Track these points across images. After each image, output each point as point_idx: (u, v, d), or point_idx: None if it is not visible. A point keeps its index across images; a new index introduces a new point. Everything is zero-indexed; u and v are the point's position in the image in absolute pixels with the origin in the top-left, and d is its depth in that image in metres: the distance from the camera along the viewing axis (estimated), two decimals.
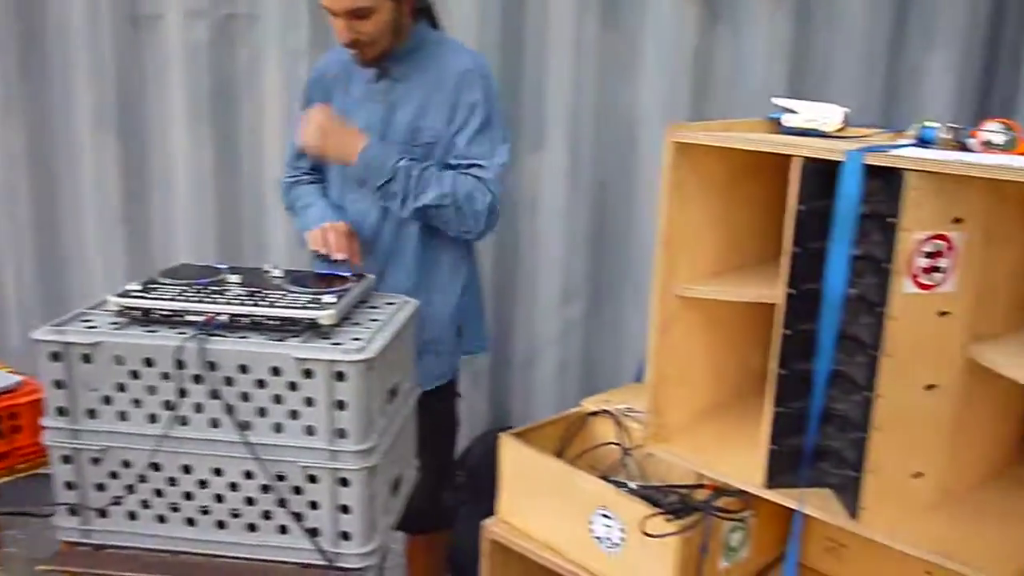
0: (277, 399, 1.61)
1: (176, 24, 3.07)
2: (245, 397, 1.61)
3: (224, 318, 1.65)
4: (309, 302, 1.71)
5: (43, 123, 3.25)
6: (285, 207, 2.29)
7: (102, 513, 1.67)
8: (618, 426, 1.60)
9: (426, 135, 2.01)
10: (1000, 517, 1.23)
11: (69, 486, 1.65)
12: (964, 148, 1.27)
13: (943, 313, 1.18)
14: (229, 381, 1.60)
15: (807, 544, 1.47)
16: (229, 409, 1.61)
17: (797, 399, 1.28)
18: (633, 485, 1.51)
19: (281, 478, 1.64)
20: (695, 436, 1.46)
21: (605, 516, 1.38)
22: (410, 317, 1.83)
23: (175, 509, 1.65)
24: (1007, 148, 1.25)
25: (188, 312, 1.65)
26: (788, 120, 1.42)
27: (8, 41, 3.19)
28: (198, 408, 1.60)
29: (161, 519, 1.66)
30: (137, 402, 1.61)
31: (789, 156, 1.25)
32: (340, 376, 1.58)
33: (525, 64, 2.87)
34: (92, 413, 1.62)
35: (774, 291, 1.31)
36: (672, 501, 1.38)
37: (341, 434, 1.61)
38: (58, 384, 1.61)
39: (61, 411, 1.62)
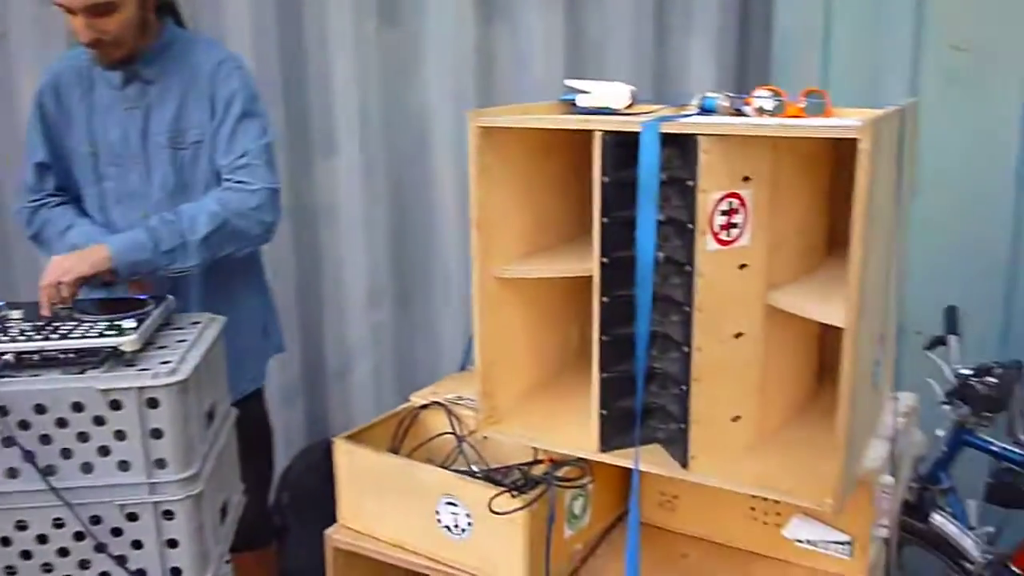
0: (83, 437, 1.49)
1: None
2: (45, 440, 1.48)
3: (9, 357, 1.51)
4: (107, 329, 1.60)
5: None
6: (29, 236, 2.02)
7: None
8: (450, 415, 1.60)
9: (191, 135, 1.91)
10: (809, 448, 1.34)
11: None
12: (741, 114, 1.38)
13: (742, 266, 1.28)
14: (24, 425, 1.47)
15: (641, 501, 1.54)
16: (28, 455, 1.48)
17: (621, 363, 1.34)
18: (475, 469, 1.52)
19: (97, 521, 1.52)
20: (527, 414, 1.49)
21: (451, 504, 1.38)
22: (219, 334, 1.75)
23: None
24: (777, 112, 1.37)
25: None
26: (582, 100, 1.47)
27: None
28: None
29: None
30: None
31: (588, 133, 1.30)
32: (152, 403, 1.49)
33: (308, 68, 2.81)
34: None
35: (588, 263, 1.36)
36: (514, 479, 1.40)
37: (160, 464, 1.51)
38: None
39: None
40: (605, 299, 1.31)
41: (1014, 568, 1.85)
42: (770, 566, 1.43)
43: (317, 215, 2.90)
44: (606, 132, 1.26)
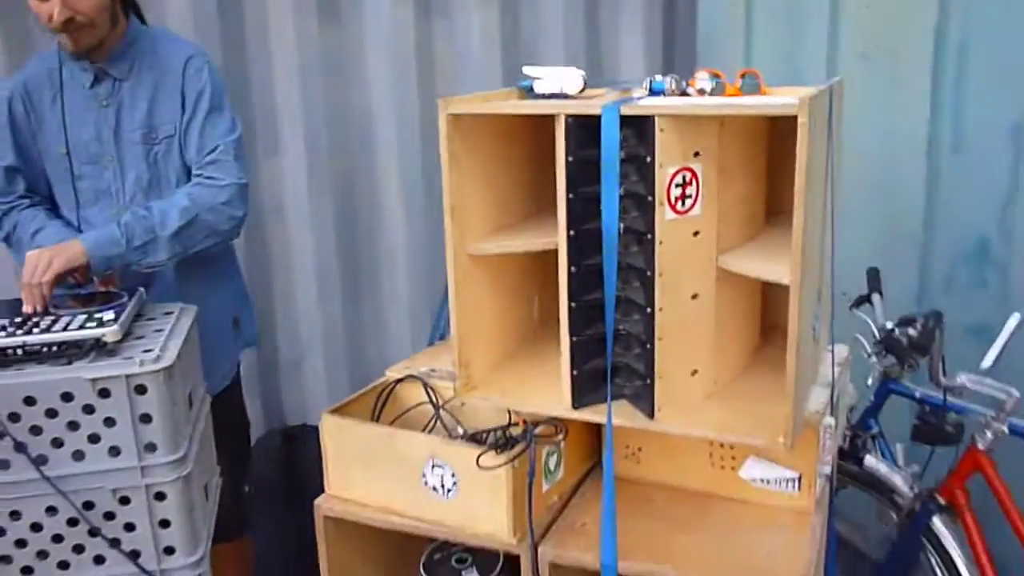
0: (73, 426, 1.54)
1: None
2: (36, 430, 1.53)
3: None
4: (87, 322, 1.65)
5: None
6: (0, 239, 2.05)
7: None
8: (426, 387, 1.70)
9: (163, 130, 1.96)
10: (761, 396, 1.48)
11: None
12: (685, 95, 1.51)
13: (696, 233, 1.41)
14: (15, 417, 1.52)
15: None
16: (19, 447, 1.52)
17: (589, 327, 1.46)
18: (459, 430, 1.62)
19: (90, 506, 1.58)
20: (500, 380, 1.60)
21: (437, 466, 1.48)
22: (193, 323, 1.81)
23: None
24: (717, 92, 1.51)
25: None
26: (539, 86, 1.58)
27: None
28: None
29: None
30: None
31: (549, 117, 1.42)
32: (140, 389, 1.55)
33: (249, 67, 2.85)
34: None
35: (550, 238, 1.48)
36: (495, 440, 1.51)
37: (150, 448, 1.57)
38: None
39: None
40: (573, 269, 1.43)
41: (939, 498, 2.04)
42: (729, 505, 1.57)
43: (264, 214, 2.93)
44: (569, 115, 1.38)
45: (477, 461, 1.41)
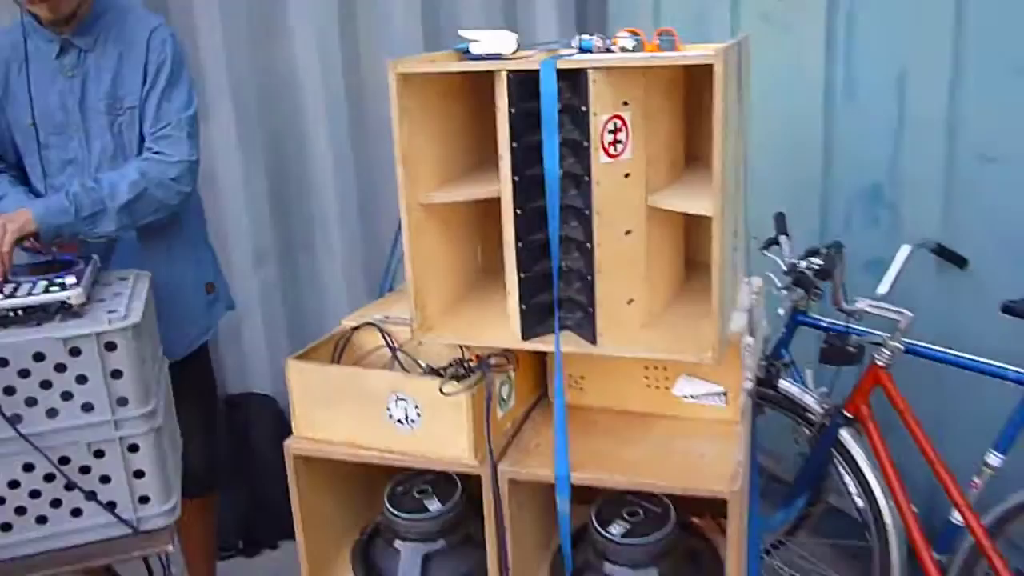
0: (45, 384, 1.61)
1: None
2: (9, 391, 1.59)
3: None
4: (49, 287, 1.70)
5: None
6: None
7: None
8: (382, 332, 1.81)
9: (127, 101, 2.00)
10: (689, 320, 1.65)
11: None
12: (609, 51, 1.65)
13: (627, 175, 1.56)
14: None
15: (550, 385, 1.82)
16: None
17: (534, 265, 1.60)
18: (420, 367, 1.75)
19: (65, 461, 1.65)
20: (453, 321, 1.72)
21: (400, 399, 1.61)
22: (149, 287, 1.88)
23: None
24: (637, 49, 1.65)
25: None
26: (475, 48, 1.70)
27: None
28: None
29: None
30: None
31: (488, 75, 1.54)
32: (111, 346, 1.62)
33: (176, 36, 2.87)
34: None
35: (494, 187, 1.61)
36: (453, 373, 1.64)
37: (122, 402, 1.65)
38: None
39: None
40: (518, 211, 1.57)
41: (846, 413, 2.27)
42: (664, 421, 1.74)
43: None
44: (511, 71, 1.51)
45: (440, 390, 1.54)
